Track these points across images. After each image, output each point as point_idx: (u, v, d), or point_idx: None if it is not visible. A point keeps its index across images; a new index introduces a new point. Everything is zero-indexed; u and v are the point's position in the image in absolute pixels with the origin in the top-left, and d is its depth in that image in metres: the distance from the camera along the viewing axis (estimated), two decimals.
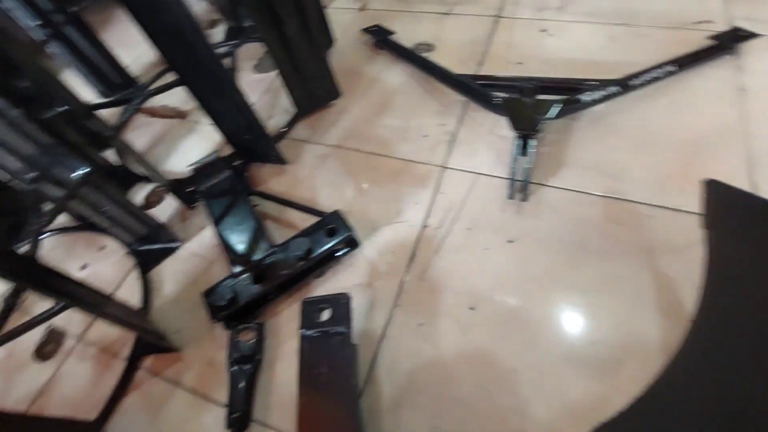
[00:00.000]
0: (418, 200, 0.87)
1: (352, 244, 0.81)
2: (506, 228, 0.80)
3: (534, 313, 0.70)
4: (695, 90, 0.94)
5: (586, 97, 0.88)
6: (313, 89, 1.02)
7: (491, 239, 0.79)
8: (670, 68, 0.93)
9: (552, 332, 0.68)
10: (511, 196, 0.83)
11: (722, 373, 0.53)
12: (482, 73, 1.07)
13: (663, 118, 0.91)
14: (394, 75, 1.13)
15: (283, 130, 1.04)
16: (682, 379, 0.59)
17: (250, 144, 0.93)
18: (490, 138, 0.94)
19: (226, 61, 1.19)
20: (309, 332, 0.65)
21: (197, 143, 1.11)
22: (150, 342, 0.78)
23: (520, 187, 0.83)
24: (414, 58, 1.09)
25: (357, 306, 0.75)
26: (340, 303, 0.67)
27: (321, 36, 0.99)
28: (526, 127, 0.84)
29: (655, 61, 0.96)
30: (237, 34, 1.32)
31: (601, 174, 0.85)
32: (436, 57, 1.12)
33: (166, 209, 0.98)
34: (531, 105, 0.87)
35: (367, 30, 1.22)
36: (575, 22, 1.15)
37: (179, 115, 1.19)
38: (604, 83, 0.90)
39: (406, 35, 1.20)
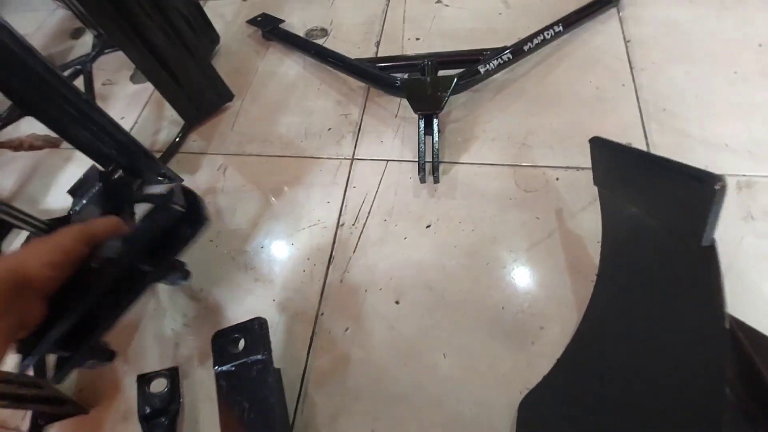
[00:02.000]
0: (330, 198, 0.86)
1: (195, 216, 0.62)
2: (422, 213, 0.82)
3: (458, 296, 0.73)
4: (586, 47, 1.01)
5: (482, 67, 0.90)
6: (199, 96, 0.96)
7: (408, 227, 0.81)
8: (557, 28, 0.98)
9: (477, 312, 0.71)
10: (423, 180, 0.85)
11: (619, 324, 0.59)
12: (381, 54, 1.07)
13: (559, 79, 0.96)
14: (289, 68, 1.10)
15: (174, 143, 0.98)
16: (592, 335, 0.64)
17: (134, 168, 0.87)
18: (395, 122, 0.95)
19: (79, 80, 1.09)
20: (224, 368, 0.63)
21: (76, 172, 1.01)
22: (49, 412, 0.72)
23: (431, 169, 0.84)
24: (307, 47, 1.07)
25: (277, 324, 0.74)
26: (254, 329, 0.65)
27: (200, 35, 0.94)
28: (429, 106, 0.86)
29: (546, 22, 1.00)
30: (107, 44, 1.21)
31: (510, 143, 0.89)
32: (331, 43, 1.11)
33: None
34: (431, 83, 0.89)
35: (252, 21, 1.17)
36: None
37: (51, 144, 1.08)
38: (497, 51, 0.94)
39: (296, 22, 1.17)
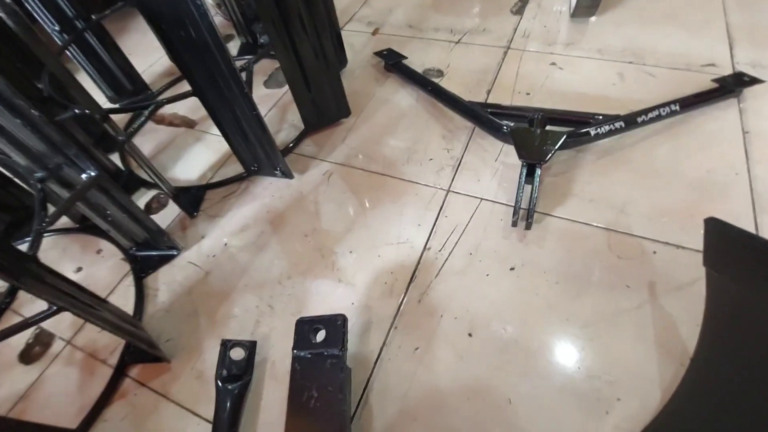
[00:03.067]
0: (421, 222, 0.89)
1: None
2: (508, 255, 0.82)
3: (532, 343, 0.71)
4: (700, 130, 0.98)
5: (593, 130, 0.91)
6: (323, 107, 1.06)
7: (492, 265, 0.81)
8: (673, 107, 0.97)
9: (550, 363, 0.69)
10: (514, 224, 0.85)
11: (717, 415, 0.54)
12: (490, 101, 1.12)
13: (668, 155, 0.94)
14: (403, 98, 1.17)
15: (290, 145, 1.08)
16: (679, 422, 0.60)
17: (257, 157, 0.96)
18: (494, 165, 0.98)
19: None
20: (301, 353, 0.66)
21: (203, 153, 1.14)
22: (139, 350, 0.79)
23: (524, 215, 0.85)
24: (424, 83, 1.14)
25: (352, 327, 0.76)
26: (335, 324, 0.68)
27: (334, 56, 1.04)
28: (533, 156, 0.88)
29: (661, 99, 1.00)
30: (249, 50, 1.38)
31: (606, 206, 0.88)
32: (445, 83, 1.17)
33: (168, 216, 1.00)
34: (540, 135, 0.91)
35: (379, 53, 1.28)
36: (584, 57, 1.20)
37: (187, 124, 1.23)
38: (610, 118, 0.94)
39: (416, 60, 1.26)
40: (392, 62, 1.22)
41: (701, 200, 0.86)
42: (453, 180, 0.96)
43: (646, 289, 0.75)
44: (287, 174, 0.99)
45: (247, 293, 0.84)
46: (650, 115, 0.96)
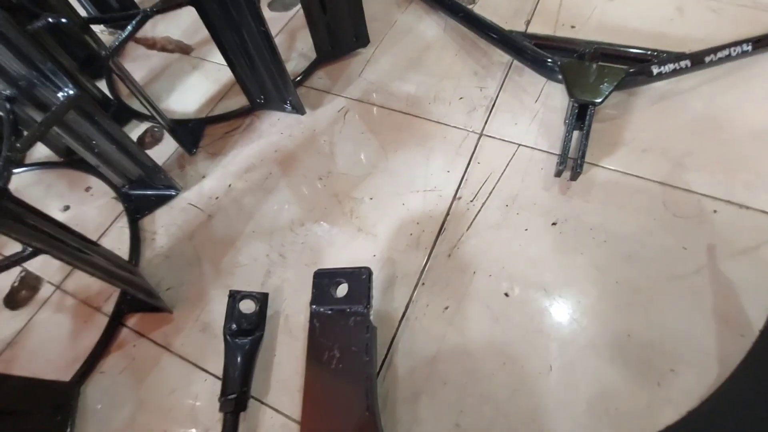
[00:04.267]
0: (451, 168, 0.79)
1: None
2: (550, 208, 0.73)
3: (578, 306, 0.63)
4: None
5: (656, 68, 0.78)
6: (339, 33, 0.91)
7: (532, 219, 0.72)
8: (746, 47, 0.83)
9: (596, 330, 0.62)
10: (558, 174, 0.75)
11: None
12: (530, 32, 0.97)
13: (734, 103, 0.82)
14: (428, 27, 1.02)
15: (300, 76, 0.94)
16: (741, 398, 0.53)
17: (264, 88, 0.83)
18: (535, 107, 0.85)
19: None
20: (321, 309, 0.58)
21: (200, 83, 1.00)
22: (137, 298, 0.71)
23: (571, 164, 0.74)
24: (454, 8, 0.98)
25: (375, 281, 0.68)
26: (359, 278, 0.59)
27: None
28: (587, 94, 0.75)
29: (724, 39, 0.86)
30: None
31: (661, 158, 0.77)
32: (477, 10, 1.01)
33: (163, 152, 0.89)
34: (596, 71, 0.78)
35: None
36: None
37: (182, 49, 1.08)
38: (675, 56, 0.81)
39: None
40: None
41: (766, 154, 0.75)
42: (486, 122, 0.84)
43: (705, 252, 0.67)
44: (298, 109, 0.87)
45: (255, 240, 0.75)
46: (719, 54, 0.82)
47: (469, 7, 1.04)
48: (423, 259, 0.70)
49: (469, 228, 0.72)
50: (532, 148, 0.80)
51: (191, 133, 0.88)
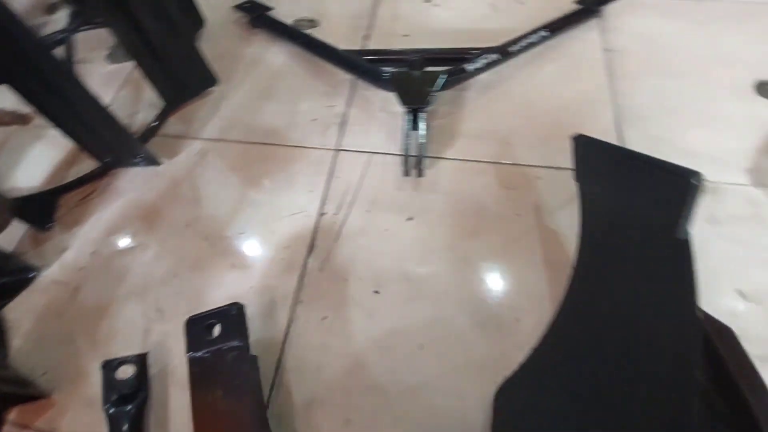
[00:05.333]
0: (313, 188, 0.86)
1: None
2: (405, 206, 0.83)
3: (436, 288, 0.74)
4: (569, 53, 1.04)
5: (470, 66, 0.92)
6: (182, 78, 0.94)
7: (391, 219, 0.81)
8: (543, 33, 1.01)
9: (454, 304, 0.72)
10: (406, 173, 0.85)
11: (596, 314, 0.61)
12: (370, 47, 1.07)
13: (543, 82, 0.99)
14: (275, 56, 1.09)
15: (152, 126, 0.96)
16: (568, 323, 0.66)
17: (110, 147, 0.84)
18: (381, 116, 0.95)
19: (60, 51, 1.05)
20: (197, 354, 0.62)
21: (46, 152, 0.97)
22: (11, 392, 0.68)
23: (415, 163, 0.85)
24: (295, 36, 1.06)
25: (254, 311, 0.73)
26: (230, 315, 0.64)
27: (186, 17, 0.92)
28: (416, 100, 0.87)
29: (532, 27, 1.03)
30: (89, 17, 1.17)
31: (492, 141, 0.91)
32: (319, 33, 1.10)
33: (13, 235, 0.85)
34: (418, 78, 0.90)
35: (240, 7, 1.15)
36: None
37: (19, 120, 1.03)
38: (485, 51, 0.95)
39: (284, 10, 1.16)
40: (256, 16, 1.11)
41: (575, 121, 0.92)
42: (341, 138, 0.93)
43: (534, 213, 0.81)
44: (152, 161, 0.89)
45: (129, 302, 0.76)
46: (522, 43, 0.99)
47: (310, 30, 1.12)
48: (297, 278, 0.76)
49: (337, 240, 0.79)
50: (384, 153, 0.90)
51: (41, 207, 0.86)
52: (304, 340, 0.70)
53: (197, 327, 0.64)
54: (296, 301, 0.74)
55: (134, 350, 0.71)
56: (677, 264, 0.46)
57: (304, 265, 0.77)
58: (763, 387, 0.52)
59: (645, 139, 0.88)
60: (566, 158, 0.86)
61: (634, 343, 0.51)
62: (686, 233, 0.45)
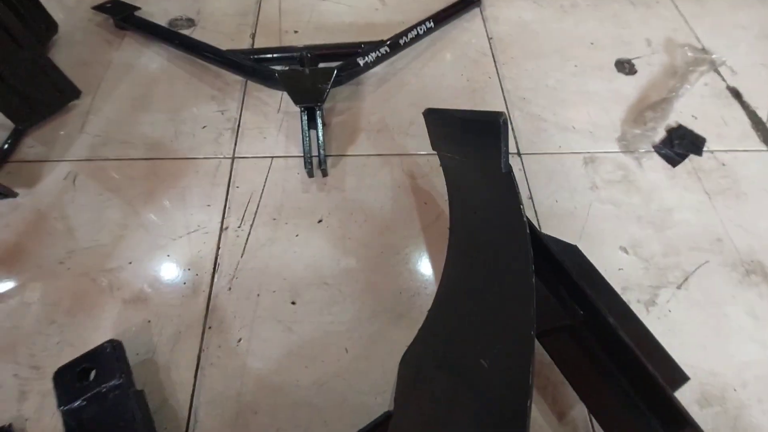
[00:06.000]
0: (210, 201, 0.79)
1: None
2: (313, 208, 0.80)
3: (355, 288, 0.72)
4: (456, 42, 1.09)
5: (361, 60, 0.91)
6: (33, 93, 0.81)
7: (300, 224, 0.78)
8: (429, 24, 1.04)
9: (375, 300, 0.71)
10: (311, 174, 0.82)
11: (464, 259, 0.67)
12: (257, 46, 1.02)
13: (436, 72, 1.02)
14: (150, 60, 0.98)
15: (3, 151, 0.81)
16: (448, 278, 0.70)
17: None
18: (278, 117, 0.91)
19: None
20: (72, 405, 0.54)
21: None
22: None
23: (318, 163, 0.83)
24: (170, 37, 0.97)
25: (156, 348, 0.65)
26: (103, 354, 0.57)
27: (32, 22, 0.78)
28: (310, 99, 0.84)
29: (419, 19, 1.06)
30: None
31: (393, 133, 0.91)
32: (199, 34, 1.02)
33: None
34: (310, 75, 0.87)
35: (101, 8, 1.02)
36: None
37: None
38: (375, 45, 0.96)
39: (155, 9, 1.06)
40: (122, 16, 0.99)
41: (467, 107, 0.96)
42: (236, 144, 0.87)
43: (440, 199, 0.83)
44: (6, 193, 0.75)
45: None
46: (410, 35, 1.01)
47: (189, 30, 1.03)
48: (204, 303, 0.69)
49: (243, 254, 0.74)
50: (285, 156, 0.86)
51: None
52: (219, 369, 0.65)
53: (68, 376, 0.56)
54: (205, 327, 0.67)
55: (9, 418, 0.60)
56: (506, 193, 0.54)
57: (210, 287, 0.71)
58: (607, 286, 0.65)
59: (531, 118, 0.95)
60: None
61: (491, 266, 0.59)
62: (508, 167, 0.53)
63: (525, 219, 0.52)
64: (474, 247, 0.66)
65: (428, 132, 0.73)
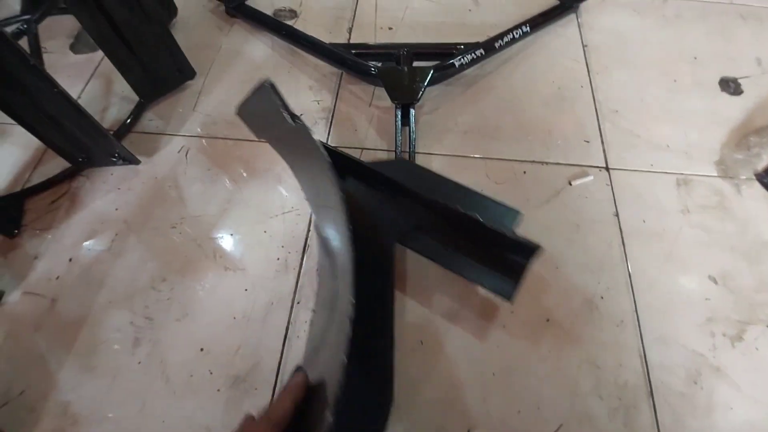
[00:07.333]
0: None
1: None
2: None
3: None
4: (548, 48, 1.07)
5: (457, 61, 0.92)
6: (158, 70, 0.89)
7: None
8: (525, 28, 1.03)
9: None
10: None
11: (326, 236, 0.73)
12: (353, 41, 1.06)
13: (526, 77, 1.01)
14: (255, 47, 1.05)
15: (127, 122, 0.90)
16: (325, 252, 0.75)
17: (82, 145, 0.78)
18: (370, 111, 0.95)
19: (23, 41, 0.96)
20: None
21: (8, 152, 0.89)
22: None
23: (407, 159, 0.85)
24: (278, 27, 1.02)
25: (251, 314, 0.71)
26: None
27: (157, 5, 0.86)
28: (405, 96, 0.86)
29: (513, 22, 1.05)
30: (38, 3, 1.07)
31: (479, 135, 0.92)
32: (301, 25, 1.07)
33: None
34: (408, 73, 0.89)
35: None
36: None
37: None
38: (471, 47, 0.96)
39: (263, 0, 1.12)
40: (234, 5, 1.06)
41: (556, 115, 0.95)
42: (329, 134, 0.91)
43: (523, 207, 0.83)
44: (130, 159, 0.83)
45: (113, 311, 0.72)
46: (506, 39, 1.00)
47: (292, 21, 1.09)
48: (294, 279, 0.74)
49: None
50: (374, 149, 0.89)
51: (6, 212, 0.79)
52: (304, 343, 0.69)
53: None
54: (294, 302, 0.73)
55: (122, 364, 0.68)
56: (308, 143, 0.60)
57: (300, 266, 0.76)
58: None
59: (622, 132, 0.92)
60: (549, 153, 0.90)
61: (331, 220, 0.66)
62: (294, 120, 0.57)
63: (323, 153, 0.58)
64: (320, 210, 0.73)
65: (249, 128, 0.74)
